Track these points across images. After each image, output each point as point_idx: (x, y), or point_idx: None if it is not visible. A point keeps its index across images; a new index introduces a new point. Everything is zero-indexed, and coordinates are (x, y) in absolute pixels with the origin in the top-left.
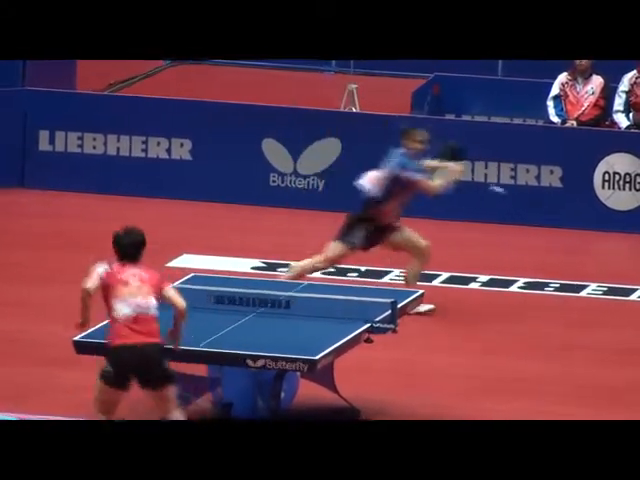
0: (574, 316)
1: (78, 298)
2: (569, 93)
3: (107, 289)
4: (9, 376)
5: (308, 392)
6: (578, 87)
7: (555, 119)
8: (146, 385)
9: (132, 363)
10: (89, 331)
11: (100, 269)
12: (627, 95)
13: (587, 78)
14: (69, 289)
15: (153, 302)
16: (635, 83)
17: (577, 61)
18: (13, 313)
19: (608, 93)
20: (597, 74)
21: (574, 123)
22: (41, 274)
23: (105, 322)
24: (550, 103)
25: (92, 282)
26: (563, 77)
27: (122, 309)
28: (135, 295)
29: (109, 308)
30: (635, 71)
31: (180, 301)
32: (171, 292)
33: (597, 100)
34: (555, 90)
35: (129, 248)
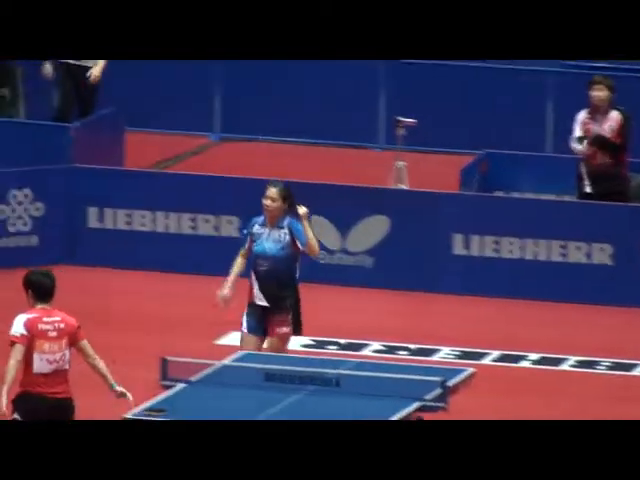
0: (626, 394)
1: (120, 378)
2: (591, 132)
3: (29, 342)
4: None
5: None
6: (596, 125)
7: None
8: None
9: (45, 413)
10: (138, 409)
11: (19, 328)
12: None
13: (605, 115)
14: (112, 367)
15: (68, 355)
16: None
17: (594, 96)
18: None
19: (628, 129)
20: (616, 109)
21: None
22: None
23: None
24: (575, 144)
25: (17, 354)
26: (583, 116)
27: (42, 367)
28: (54, 352)
29: (28, 359)
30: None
31: (99, 359)
32: (89, 347)
33: (615, 137)
34: (578, 132)
35: (50, 289)
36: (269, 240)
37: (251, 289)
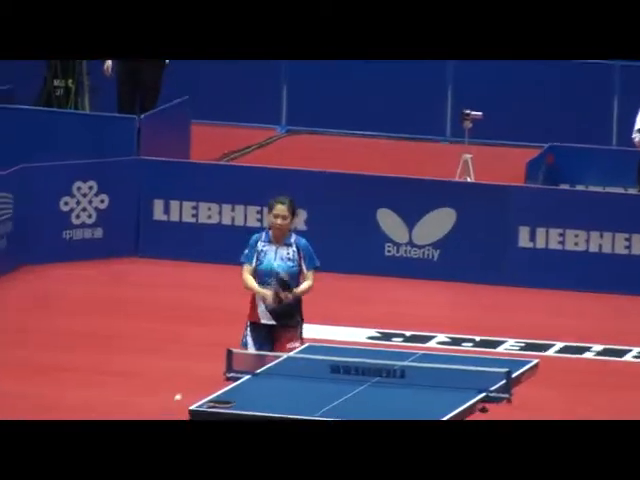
0: None
1: (186, 370)
2: None
3: None
4: None
5: None
6: None
7: None
8: None
9: None
10: (203, 401)
11: None
12: None
13: None
14: (178, 360)
15: None
16: None
17: None
18: (120, 383)
19: None
20: None
21: None
22: (152, 344)
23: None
24: (637, 134)
25: None
26: None
27: None
28: None
29: None
30: None
31: None
32: None
33: None
34: (639, 123)
35: None
36: (277, 258)
37: (254, 308)
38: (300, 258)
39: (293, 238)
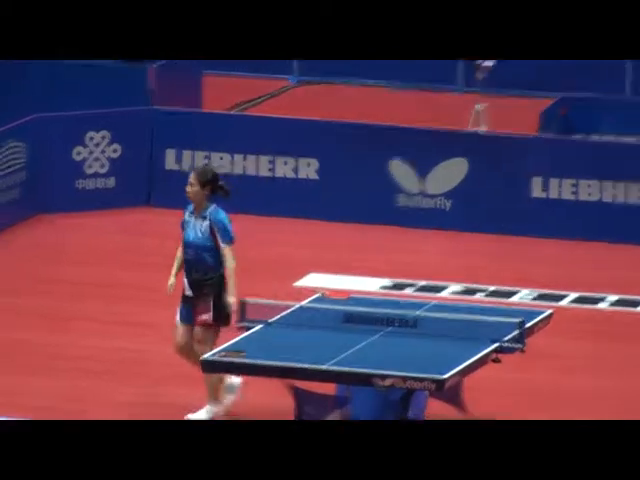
0: None
1: None
2: None
3: None
4: (134, 397)
5: (437, 412)
6: None
7: None
8: None
9: None
10: (215, 350)
11: None
12: None
13: None
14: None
15: None
16: None
17: None
18: (137, 334)
19: None
20: None
21: None
22: (163, 295)
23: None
24: None
25: None
26: None
27: None
28: None
29: None
30: None
31: None
32: None
33: None
34: None
35: None
36: (194, 229)
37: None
38: (213, 232)
39: (210, 209)
